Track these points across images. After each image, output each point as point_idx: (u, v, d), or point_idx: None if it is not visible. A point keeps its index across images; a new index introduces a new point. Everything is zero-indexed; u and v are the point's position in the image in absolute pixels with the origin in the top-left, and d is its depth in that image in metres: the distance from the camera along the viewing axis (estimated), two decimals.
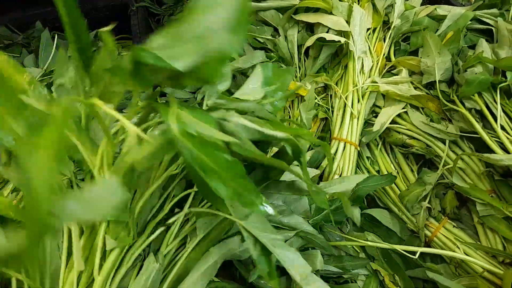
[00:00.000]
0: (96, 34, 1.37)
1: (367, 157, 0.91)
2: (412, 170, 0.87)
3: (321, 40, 0.90)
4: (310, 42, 0.91)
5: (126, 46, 1.48)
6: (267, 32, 0.99)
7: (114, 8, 1.56)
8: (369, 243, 0.71)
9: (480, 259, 0.73)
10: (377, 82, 0.89)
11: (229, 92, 0.60)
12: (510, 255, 0.71)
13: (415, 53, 0.96)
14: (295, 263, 0.44)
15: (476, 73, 0.79)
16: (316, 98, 0.93)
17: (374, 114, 0.92)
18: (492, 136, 0.74)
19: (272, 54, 0.99)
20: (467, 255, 0.74)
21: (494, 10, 0.96)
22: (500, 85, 0.74)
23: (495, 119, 0.73)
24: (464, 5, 1.14)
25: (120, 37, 1.53)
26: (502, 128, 0.73)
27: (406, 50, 0.97)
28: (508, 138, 0.72)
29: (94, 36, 1.38)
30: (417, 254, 0.66)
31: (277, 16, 1.02)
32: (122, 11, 1.52)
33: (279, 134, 0.39)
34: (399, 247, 0.68)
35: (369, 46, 0.95)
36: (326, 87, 0.96)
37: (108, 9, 1.57)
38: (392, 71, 0.95)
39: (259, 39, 1.03)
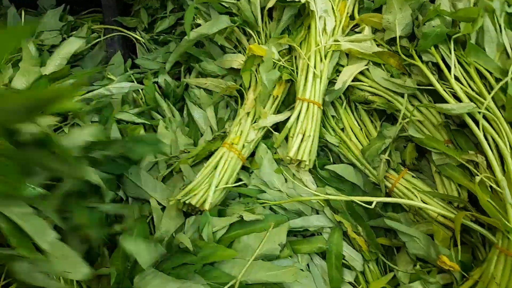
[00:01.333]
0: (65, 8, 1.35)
1: (332, 116, 0.93)
2: (375, 127, 0.90)
3: (282, 0, 0.90)
4: (271, 3, 0.91)
5: (97, 20, 1.46)
6: None
7: None
8: (329, 196, 0.73)
9: (437, 205, 0.76)
10: (339, 41, 0.90)
11: None
12: (464, 200, 0.74)
13: (379, 10, 0.96)
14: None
15: (433, 26, 0.79)
16: (280, 60, 0.94)
17: (338, 73, 0.93)
18: (447, 87, 0.76)
19: (235, 18, 0.98)
20: (424, 203, 0.77)
21: None
22: (454, 36, 0.75)
23: (450, 70, 0.75)
24: None
25: (91, 11, 1.51)
26: (457, 79, 0.75)
27: (370, 8, 0.97)
28: (461, 88, 0.73)
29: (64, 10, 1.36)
30: (373, 204, 0.69)
31: None
32: None
33: None
34: (357, 198, 0.71)
35: (332, 5, 0.94)
36: (291, 49, 0.96)
37: None
38: (356, 30, 0.96)
39: (223, 3, 1.03)
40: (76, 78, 1.03)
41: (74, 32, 1.39)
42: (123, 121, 1.06)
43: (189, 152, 0.98)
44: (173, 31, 1.36)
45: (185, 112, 1.13)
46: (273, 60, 0.93)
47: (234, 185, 0.88)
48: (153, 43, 1.38)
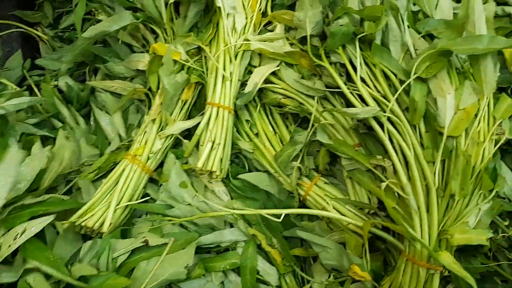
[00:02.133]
0: None
1: (247, 120, 0.87)
2: (290, 131, 0.85)
3: None
4: None
5: None
6: None
7: None
8: (237, 211, 0.68)
9: (348, 213, 0.73)
10: (249, 41, 0.84)
11: None
12: (374, 207, 0.72)
13: (292, 6, 0.91)
14: None
15: (341, 25, 0.76)
16: (188, 61, 0.86)
17: (250, 75, 0.87)
18: (354, 89, 0.72)
19: (139, 14, 0.89)
20: (336, 210, 0.74)
21: None
22: (359, 36, 0.72)
23: (356, 71, 0.72)
24: None
25: None
26: (364, 80, 0.72)
27: (284, 4, 0.92)
28: (368, 90, 0.70)
29: None
30: (281, 217, 0.64)
31: None
32: None
33: None
34: (264, 212, 0.66)
35: (242, 1, 0.88)
36: (200, 48, 0.89)
37: None
38: (269, 28, 0.91)
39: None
40: None
41: None
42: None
43: (91, 164, 0.88)
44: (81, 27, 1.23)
45: (91, 118, 1.02)
46: (181, 61, 0.86)
47: (138, 201, 0.79)
48: (58, 41, 1.24)
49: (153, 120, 0.84)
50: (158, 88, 0.88)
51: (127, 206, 0.77)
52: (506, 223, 0.69)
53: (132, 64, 0.96)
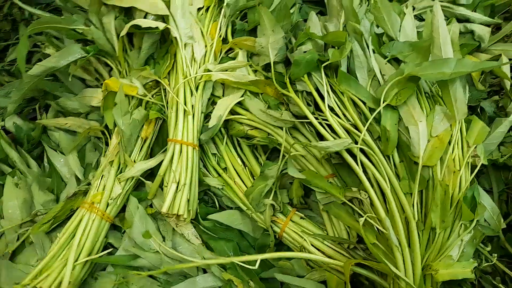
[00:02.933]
0: None
1: (213, 154, 0.82)
2: (260, 164, 0.81)
3: (138, 27, 0.76)
4: (125, 30, 0.76)
5: None
6: (77, 21, 0.81)
7: None
8: (206, 261, 0.62)
9: (327, 248, 0.69)
10: (210, 71, 0.79)
11: None
12: (353, 242, 0.68)
13: (254, 31, 0.87)
14: None
15: (304, 52, 0.73)
16: (146, 95, 0.80)
17: (214, 105, 0.82)
18: (323, 119, 0.69)
19: (89, 47, 0.82)
20: (314, 246, 0.70)
21: None
22: (324, 64, 0.69)
23: (324, 100, 0.68)
24: None
25: None
26: (332, 109, 0.68)
27: (245, 29, 0.88)
28: (337, 120, 0.67)
29: None
30: (257, 264, 0.59)
31: (86, 2, 0.84)
32: None
33: None
34: (236, 259, 0.60)
35: (201, 29, 0.83)
36: (158, 81, 0.83)
37: None
38: (231, 55, 0.86)
39: (76, 29, 0.86)
40: None
41: None
42: None
43: (45, 213, 0.80)
44: (31, 58, 1.14)
45: (44, 160, 0.93)
46: (138, 95, 0.80)
47: (99, 255, 0.72)
48: (6, 75, 1.14)
49: (111, 162, 0.77)
50: (115, 125, 0.82)
51: (87, 261, 0.70)
52: (488, 248, 0.67)
53: (85, 100, 0.89)
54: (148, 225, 0.75)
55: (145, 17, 0.79)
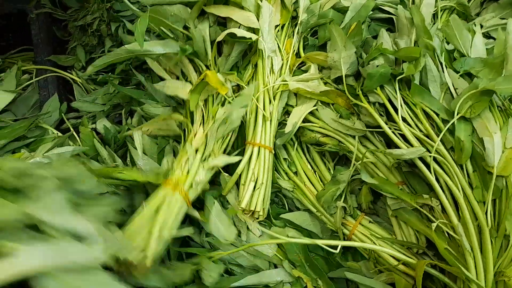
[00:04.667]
0: None
1: (285, 159, 0.88)
2: (328, 169, 0.86)
3: (232, 36, 0.85)
4: (221, 36, 0.85)
5: (28, 59, 1.34)
6: (179, 22, 0.91)
7: (10, 17, 1.41)
8: (290, 239, 0.68)
9: (396, 252, 0.73)
10: (287, 81, 0.86)
11: None
12: (422, 247, 0.72)
13: (324, 46, 0.94)
14: None
15: (377, 66, 0.78)
16: (232, 97, 0.88)
17: (287, 115, 0.89)
18: (396, 129, 0.74)
19: (186, 46, 0.90)
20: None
21: None
22: (399, 77, 0.74)
23: (397, 111, 0.73)
24: None
25: (21, 49, 1.39)
26: (404, 120, 0.73)
27: (315, 45, 0.95)
28: (410, 130, 0.71)
29: None
30: (338, 249, 0.64)
31: (185, 11, 0.94)
32: (21, 19, 1.37)
33: None
34: (320, 242, 0.66)
35: (278, 44, 0.91)
36: (239, 87, 0.91)
37: (4, 18, 1.41)
38: (302, 68, 0.93)
39: (172, 29, 0.94)
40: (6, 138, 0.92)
41: (2, 74, 1.27)
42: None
43: None
44: (113, 69, 1.28)
45: (128, 159, 1.04)
46: (226, 97, 0.87)
47: (181, 231, 0.77)
48: (92, 83, 1.28)
49: (196, 150, 0.84)
50: (197, 118, 0.88)
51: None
52: None
53: (170, 89, 0.93)
54: (224, 219, 0.81)
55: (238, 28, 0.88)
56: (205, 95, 0.88)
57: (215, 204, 0.84)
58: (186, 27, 0.94)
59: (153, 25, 0.95)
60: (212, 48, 0.90)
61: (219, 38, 0.86)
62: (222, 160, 0.83)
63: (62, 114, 1.13)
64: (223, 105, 0.88)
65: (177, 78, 1.00)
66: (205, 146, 0.83)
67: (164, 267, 0.79)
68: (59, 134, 1.03)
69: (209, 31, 0.90)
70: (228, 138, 0.88)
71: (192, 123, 0.88)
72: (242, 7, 0.89)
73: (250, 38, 0.84)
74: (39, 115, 1.11)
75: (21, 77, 1.28)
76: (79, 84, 1.27)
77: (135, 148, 1.03)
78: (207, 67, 0.92)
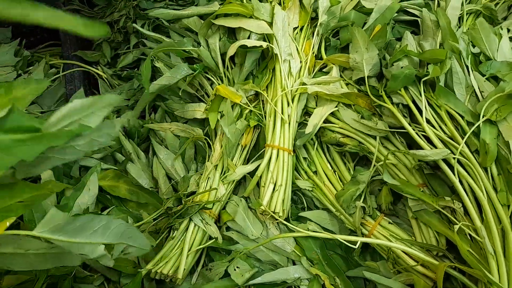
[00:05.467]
0: (21, 41, 1.28)
1: (304, 158, 0.89)
2: (348, 169, 0.86)
3: (244, 47, 0.86)
4: (232, 50, 0.87)
5: (56, 54, 1.39)
6: (187, 43, 0.93)
7: None
8: (310, 233, 0.69)
9: (416, 254, 0.73)
10: (306, 84, 0.87)
11: None
12: (442, 249, 0.71)
13: (346, 48, 0.95)
14: None
15: (401, 67, 0.78)
16: (248, 105, 0.90)
17: (307, 116, 0.90)
18: (419, 130, 0.74)
19: (196, 65, 0.94)
20: (402, 251, 0.73)
21: (420, 0, 0.96)
22: (424, 79, 0.74)
23: (421, 113, 0.73)
24: None
25: (49, 44, 1.43)
26: (428, 121, 0.73)
27: (337, 47, 0.96)
28: (434, 131, 0.71)
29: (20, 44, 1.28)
30: (358, 244, 0.65)
31: (200, 23, 0.97)
32: None
33: None
34: (339, 236, 0.67)
35: (296, 47, 0.92)
36: (257, 92, 0.93)
37: None
38: (324, 70, 0.94)
39: (186, 50, 0.98)
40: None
41: (31, 68, 1.32)
42: (86, 167, 0.98)
43: None
44: (138, 65, 1.31)
45: (150, 153, 1.06)
46: (242, 104, 0.89)
47: (207, 244, 0.81)
48: (116, 79, 1.32)
49: (216, 166, 0.87)
50: (215, 131, 0.92)
51: (197, 250, 0.79)
52: None
53: (188, 114, 1.00)
54: (250, 216, 0.83)
55: (248, 37, 0.89)
56: (224, 104, 0.90)
57: (241, 201, 0.85)
58: (197, 42, 0.97)
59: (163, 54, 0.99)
60: (224, 60, 0.92)
61: (231, 53, 0.88)
62: (240, 172, 0.86)
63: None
64: (241, 115, 0.90)
65: (196, 90, 1.03)
66: (222, 161, 0.86)
67: (202, 269, 0.82)
68: None
69: (219, 44, 0.92)
70: (247, 148, 0.90)
71: (213, 140, 0.91)
72: (251, 17, 0.91)
73: (261, 46, 0.86)
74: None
75: (48, 71, 1.32)
76: (104, 79, 1.30)
77: (158, 142, 1.05)
78: (221, 79, 0.94)
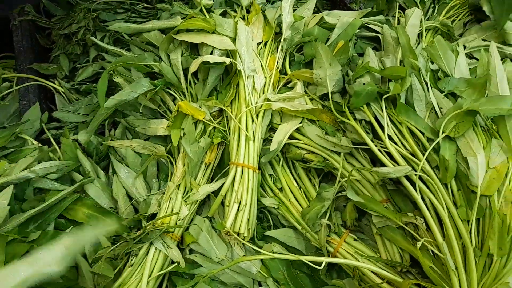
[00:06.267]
0: None
1: (270, 175, 0.87)
2: (314, 185, 0.86)
3: (206, 63, 0.84)
4: (194, 66, 0.84)
5: (9, 67, 1.31)
6: (148, 58, 0.90)
7: None
8: (275, 255, 0.66)
9: (380, 271, 0.72)
10: (270, 100, 0.86)
11: None
12: (406, 266, 0.71)
13: (310, 63, 0.94)
14: None
15: (363, 84, 0.78)
16: (213, 122, 0.87)
17: (272, 132, 0.89)
18: (382, 147, 0.74)
19: (157, 81, 0.91)
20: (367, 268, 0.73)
21: (381, 17, 0.98)
22: (385, 96, 0.74)
23: (383, 129, 0.73)
24: (361, 8, 1.16)
25: (1, 56, 1.35)
26: (390, 138, 0.73)
27: (301, 62, 0.95)
28: (396, 148, 0.72)
29: None
30: (323, 265, 0.63)
31: (162, 38, 0.94)
32: (3, 26, 1.34)
33: None
34: (304, 258, 0.65)
35: (260, 62, 0.91)
36: (222, 109, 0.90)
37: None
38: (288, 85, 0.93)
39: (147, 65, 0.95)
40: None
41: None
42: (41, 188, 0.91)
43: None
44: (98, 79, 1.25)
45: (110, 171, 1.01)
46: (205, 121, 0.87)
47: (168, 269, 0.77)
48: (75, 93, 1.26)
49: (178, 186, 0.84)
50: (178, 148, 0.89)
51: (158, 276, 0.75)
52: None
53: (150, 130, 0.96)
54: (214, 237, 0.80)
55: (211, 53, 0.87)
56: (186, 121, 0.87)
57: (205, 222, 0.82)
58: (158, 57, 0.94)
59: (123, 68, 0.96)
60: (186, 75, 0.90)
61: (192, 69, 0.86)
62: (203, 192, 0.83)
63: (43, 124, 1.10)
64: (205, 132, 0.87)
65: (159, 106, 1.00)
66: (185, 181, 0.83)
67: None
68: (39, 145, 1.00)
69: (181, 60, 0.90)
70: (211, 166, 0.88)
71: (175, 157, 0.88)
72: (213, 32, 0.89)
73: (224, 62, 0.84)
74: (19, 123, 1.07)
75: (1, 85, 1.24)
76: (62, 93, 1.24)
77: (118, 160, 1.00)
78: (184, 95, 0.92)
